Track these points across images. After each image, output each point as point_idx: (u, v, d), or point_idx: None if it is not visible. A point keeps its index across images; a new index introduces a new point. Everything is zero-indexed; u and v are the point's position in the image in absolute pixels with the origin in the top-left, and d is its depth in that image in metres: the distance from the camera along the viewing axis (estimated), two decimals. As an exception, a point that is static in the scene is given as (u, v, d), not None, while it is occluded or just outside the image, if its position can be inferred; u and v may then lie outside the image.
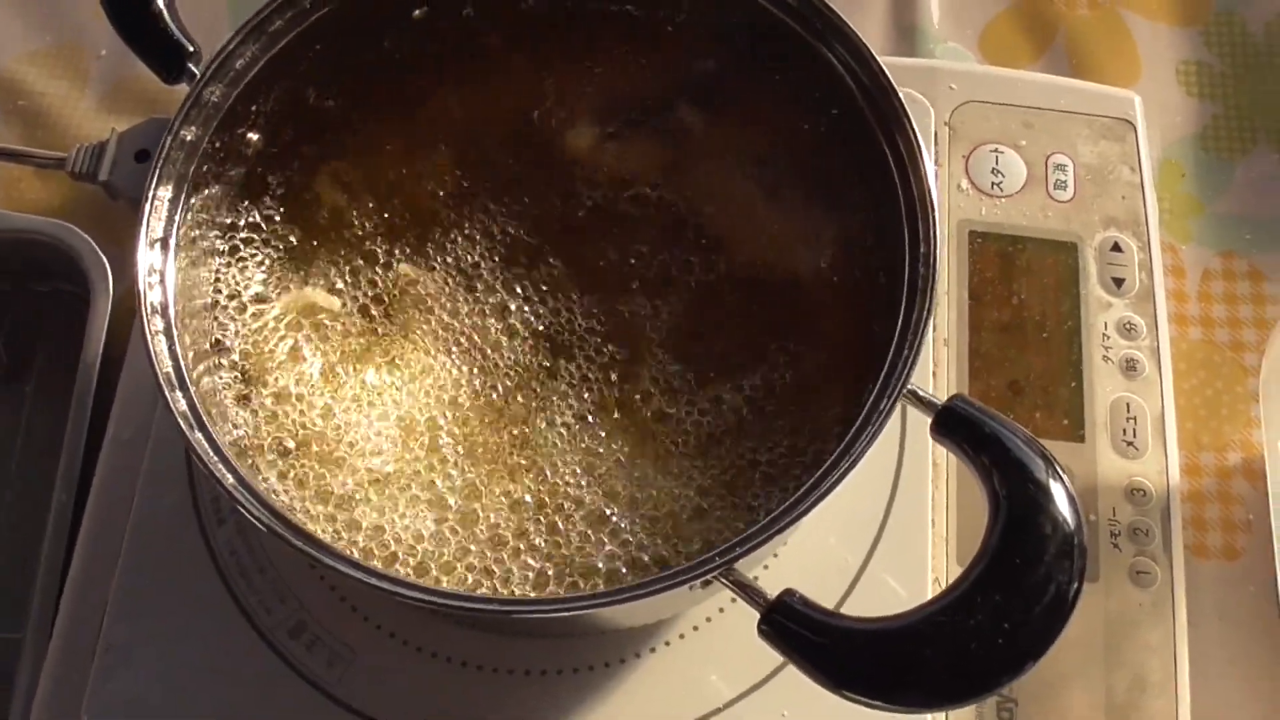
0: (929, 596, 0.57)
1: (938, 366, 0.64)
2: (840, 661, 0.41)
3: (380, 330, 0.56)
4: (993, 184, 0.69)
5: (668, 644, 0.58)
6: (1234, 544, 0.66)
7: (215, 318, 0.55)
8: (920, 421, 0.61)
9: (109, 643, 0.58)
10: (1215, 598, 0.64)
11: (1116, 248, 0.68)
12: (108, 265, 0.69)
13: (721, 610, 0.58)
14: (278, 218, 0.58)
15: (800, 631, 0.41)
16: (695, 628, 0.58)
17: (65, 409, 0.66)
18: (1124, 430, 0.63)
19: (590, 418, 0.54)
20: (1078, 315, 0.66)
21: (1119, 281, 0.67)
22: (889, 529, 0.60)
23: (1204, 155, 0.77)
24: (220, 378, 0.54)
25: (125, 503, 0.61)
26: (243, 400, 0.54)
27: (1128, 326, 0.66)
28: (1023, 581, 0.41)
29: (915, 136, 0.50)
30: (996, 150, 0.70)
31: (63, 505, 0.63)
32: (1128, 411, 0.64)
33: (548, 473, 0.53)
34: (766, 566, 0.58)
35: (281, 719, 0.56)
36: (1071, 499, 0.42)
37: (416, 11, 0.59)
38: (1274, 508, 0.64)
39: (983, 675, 0.40)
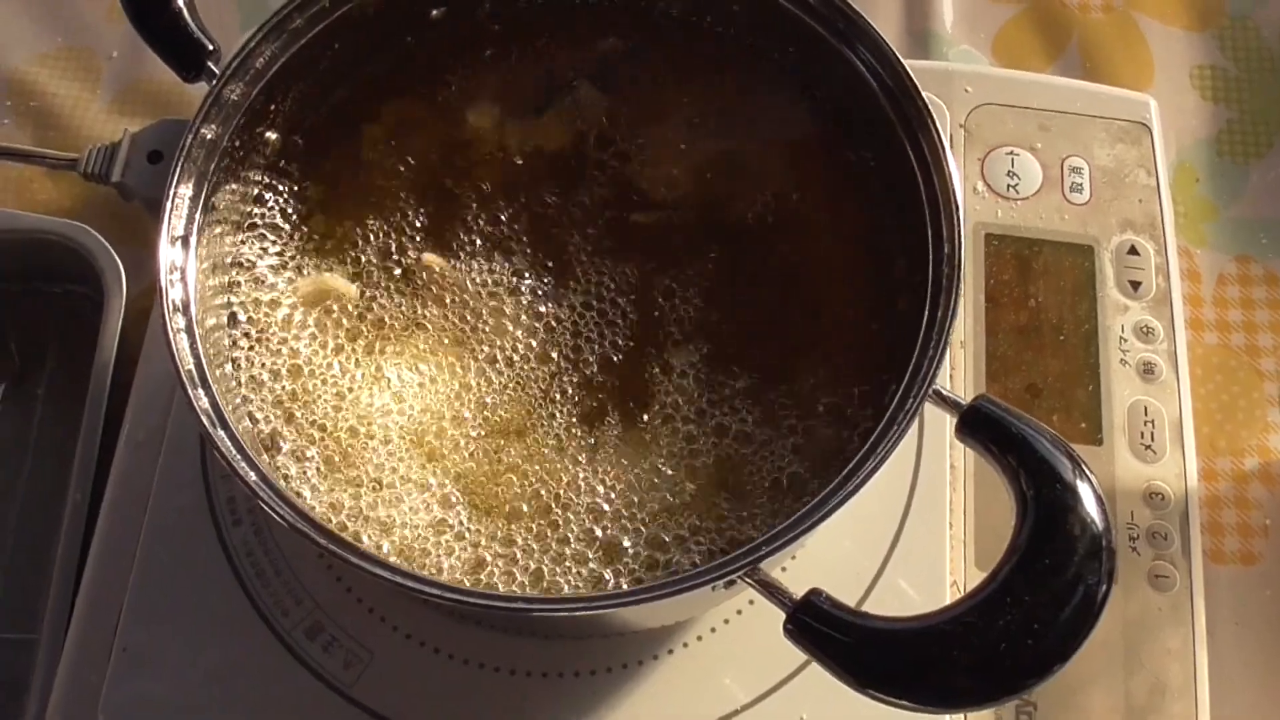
0: (946, 601, 0.58)
1: (955, 369, 0.64)
2: (867, 661, 0.41)
3: (399, 321, 0.56)
4: (1008, 186, 0.69)
5: (686, 646, 0.58)
6: (1251, 549, 0.65)
7: (234, 313, 0.55)
8: (938, 425, 0.61)
9: (124, 644, 0.58)
10: (1233, 602, 0.64)
11: (1133, 251, 0.67)
12: (121, 265, 0.68)
13: (739, 612, 0.58)
14: (297, 214, 0.58)
15: (827, 631, 0.41)
16: (713, 629, 0.58)
17: (78, 410, 0.66)
18: (1142, 434, 0.63)
19: (608, 415, 0.54)
20: (1095, 318, 0.66)
21: (1135, 285, 0.67)
22: (906, 533, 0.60)
23: (1218, 159, 0.77)
24: (239, 372, 0.54)
25: (140, 504, 0.61)
26: (261, 394, 0.54)
27: (1145, 330, 0.65)
28: (1051, 583, 0.40)
29: (939, 137, 0.50)
30: (1012, 153, 0.70)
31: (77, 506, 0.63)
32: (1145, 415, 0.64)
33: (567, 471, 0.53)
34: (784, 569, 0.58)
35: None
36: (1099, 500, 0.42)
37: (435, 11, 0.59)
38: (1291, 513, 0.64)
39: (1010, 677, 0.40)
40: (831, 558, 0.59)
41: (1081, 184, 0.69)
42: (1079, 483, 0.42)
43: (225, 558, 0.59)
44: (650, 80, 0.61)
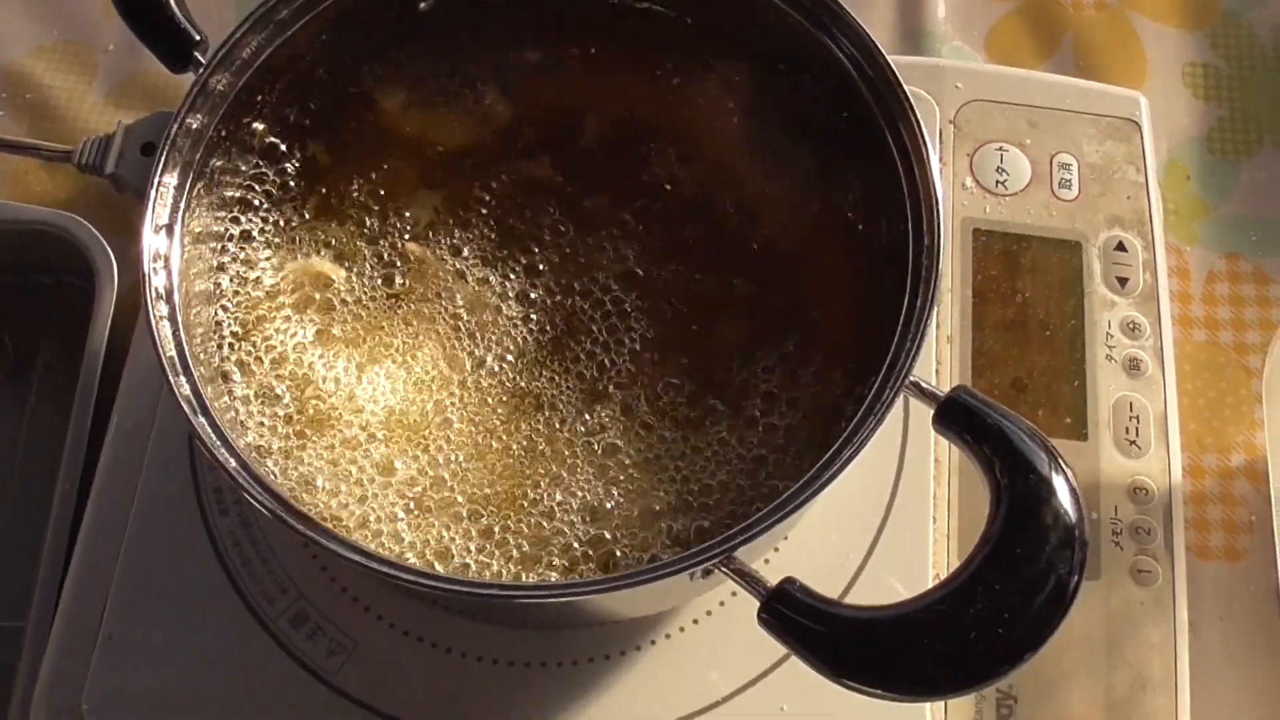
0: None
1: (941, 364, 0.64)
2: (840, 650, 0.41)
3: (385, 307, 0.56)
4: (997, 182, 0.69)
5: (668, 637, 0.58)
6: (1236, 545, 0.65)
7: (218, 302, 0.55)
8: (922, 419, 0.61)
9: (110, 632, 0.58)
10: (1217, 598, 0.64)
11: (1121, 247, 0.68)
12: (113, 257, 0.69)
13: (722, 604, 0.58)
14: (282, 202, 0.58)
15: (799, 620, 0.41)
16: (695, 621, 0.58)
17: (69, 400, 0.66)
18: (1127, 429, 0.63)
19: (590, 406, 0.54)
20: (1081, 314, 0.66)
21: (1123, 281, 0.67)
22: (890, 526, 0.60)
23: (1210, 157, 0.77)
24: (223, 361, 0.54)
25: (128, 493, 0.61)
26: (246, 380, 0.54)
27: (1131, 326, 0.66)
28: (1023, 572, 0.40)
29: (919, 127, 0.50)
30: (1001, 149, 0.70)
31: (66, 495, 0.63)
32: (1130, 410, 0.64)
33: (549, 461, 0.53)
34: (767, 561, 0.58)
35: (282, 709, 0.56)
36: (1073, 491, 0.42)
37: (423, 4, 0.60)
38: (1276, 510, 0.64)
39: (982, 665, 0.40)
40: (815, 550, 0.59)
41: (1070, 180, 0.69)
42: (1053, 474, 0.42)
43: (211, 546, 0.59)
44: (645, 74, 0.61)
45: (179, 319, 0.49)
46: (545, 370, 0.55)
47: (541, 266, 0.58)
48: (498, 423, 0.54)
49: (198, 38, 0.54)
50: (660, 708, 0.57)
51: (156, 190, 0.51)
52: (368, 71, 0.60)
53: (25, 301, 0.74)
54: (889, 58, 0.52)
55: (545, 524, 0.52)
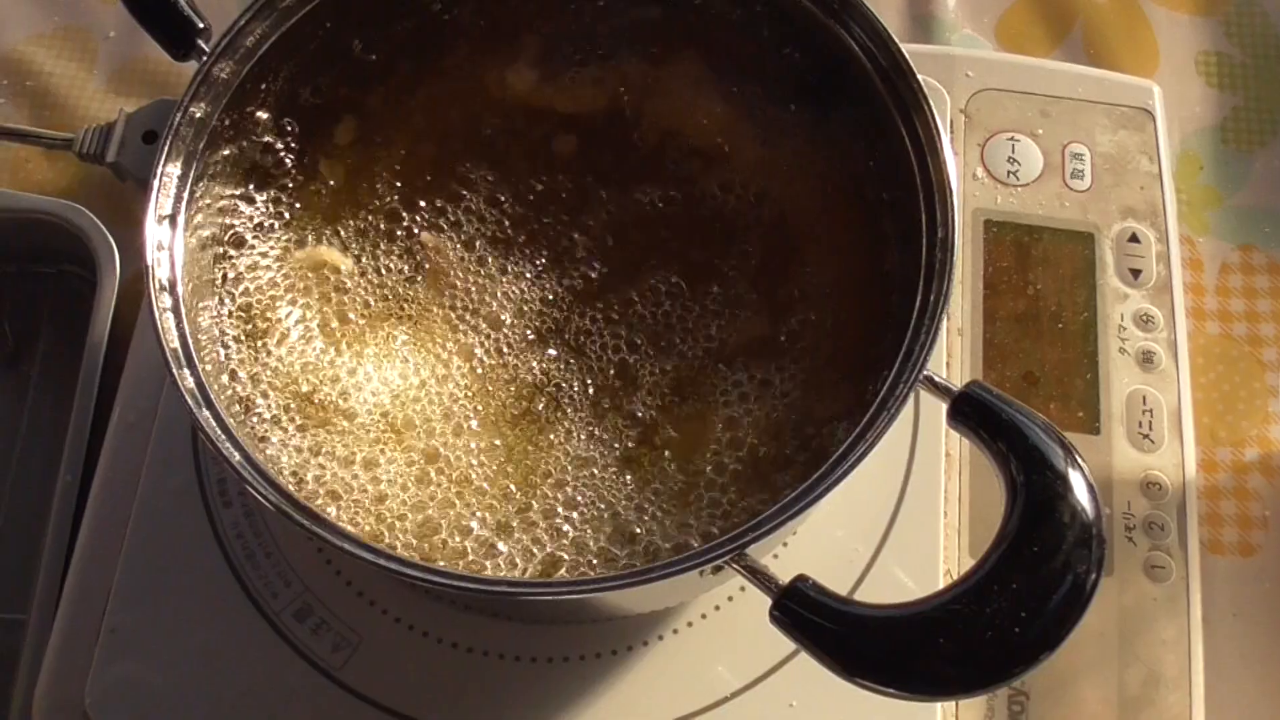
0: (940, 588, 0.57)
1: (952, 356, 0.64)
2: (853, 649, 0.40)
3: (392, 297, 0.56)
4: (1009, 173, 0.69)
5: (676, 632, 0.57)
6: (1250, 540, 0.65)
7: (223, 292, 0.55)
8: (933, 412, 0.60)
9: (112, 625, 0.58)
10: (1230, 594, 0.63)
11: (1134, 239, 0.67)
12: (115, 246, 0.68)
13: (730, 599, 0.58)
14: (288, 193, 0.57)
15: (812, 618, 0.41)
16: (703, 616, 0.57)
17: (70, 391, 0.65)
18: (1140, 423, 0.63)
19: (600, 399, 0.54)
20: (1094, 306, 0.65)
21: (1136, 273, 0.66)
22: (900, 520, 0.60)
23: (1223, 147, 0.76)
24: (227, 352, 0.53)
25: (130, 485, 0.61)
26: (250, 372, 0.53)
27: (1145, 318, 0.65)
28: (1040, 571, 0.40)
29: (934, 119, 0.49)
30: (1013, 139, 0.70)
31: (68, 487, 0.63)
32: (1144, 404, 0.63)
33: (556, 454, 0.53)
34: (776, 556, 0.58)
35: (286, 703, 0.56)
36: (1090, 488, 0.41)
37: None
38: (1291, 504, 0.63)
39: (997, 665, 0.39)
40: (825, 545, 0.59)
41: (1083, 170, 0.69)
42: (1070, 470, 0.41)
43: (215, 539, 0.59)
44: (651, 64, 0.61)
45: (183, 311, 0.48)
46: (559, 363, 0.55)
47: (557, 258, 0.57)
48: (507, 417, 0.53)
49: (201, 25, 0.53)
50: (668, 703, 0.56)
51: (159, 180, 0.50)
52: (373, 59, 0.60)
53: (26, 291, 0.73)
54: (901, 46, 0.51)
55: (556, 519, 0.51)
